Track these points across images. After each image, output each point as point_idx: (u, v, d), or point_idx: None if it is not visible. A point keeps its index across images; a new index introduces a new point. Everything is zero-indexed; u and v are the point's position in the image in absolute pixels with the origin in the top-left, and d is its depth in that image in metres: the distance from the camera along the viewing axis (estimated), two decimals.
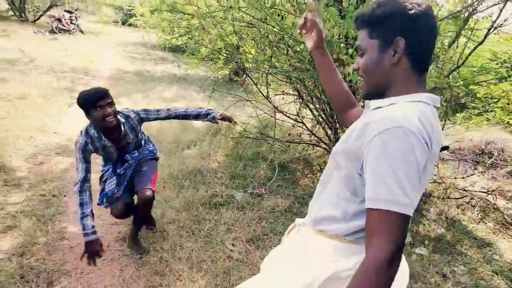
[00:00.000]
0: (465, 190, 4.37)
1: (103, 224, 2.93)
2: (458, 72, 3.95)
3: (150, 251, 2.59)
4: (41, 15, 15.02)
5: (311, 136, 4.58)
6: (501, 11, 3.11)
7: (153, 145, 2.79)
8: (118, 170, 2.53)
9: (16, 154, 3.83)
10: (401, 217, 0.82)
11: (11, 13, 14.48)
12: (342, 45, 3.33)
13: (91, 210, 2.16)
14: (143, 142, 2.65)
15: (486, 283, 2.81)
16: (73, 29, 14.21)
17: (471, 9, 3.44)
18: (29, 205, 3.01)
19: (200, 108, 2.65)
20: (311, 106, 4.19)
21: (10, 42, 9.87)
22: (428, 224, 3.63)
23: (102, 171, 2.60)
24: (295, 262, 1.07)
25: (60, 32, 13.50)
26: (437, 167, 4.50)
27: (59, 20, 13.62)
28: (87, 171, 2.22)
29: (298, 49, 3.70)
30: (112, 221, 2.97)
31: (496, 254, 3.28)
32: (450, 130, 4.57)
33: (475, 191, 4.40)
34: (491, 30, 3.19)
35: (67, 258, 2.46)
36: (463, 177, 4.48)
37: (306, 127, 4.44)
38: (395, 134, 0.82)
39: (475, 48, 3.37)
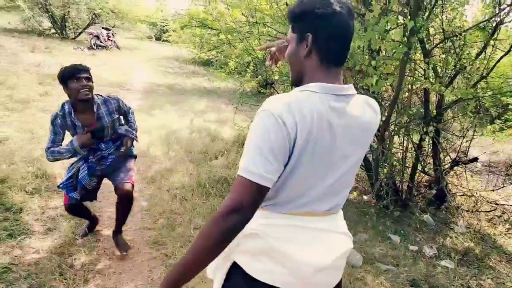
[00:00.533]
0: (496, 204, 4.26)
1: (135, 229, 3.10)
2: (486, 83, 3.91)
3: (176, 254, 2.73)
4: (80, 33, 15.91)
5: None
6: None
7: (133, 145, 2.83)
8: (90, 158, 2.56)
9: (57, 162, 4.10)
10: (247, 183, 0.94)
11: (53, 31, 15.41)
12: (366, 57, 3.40)
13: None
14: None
15: None
16: (110, 45, 14.94)
17: (498, 20, 3.43)
18: None
19: (133, 130, 2.72)
20: None
21: (53, 58, 10.53)
22: (456, 237, 3.58)
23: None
24: None
25: (98, 48, 14.23)
26: (466, 179, 4.42)
27: (97, 37, 14.39)
28: (54, 142, 2.40)
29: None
30: (143, 225, 3.14)
31: None
32: (478, 141, 4.49)
33: (508, 205, 4.28)
34: None
35: (101, 259, 2.63)
36: (493, 190, 4.37)
37: None
38: (259, 116, 0.97)
39: (500, 58, 3.36)
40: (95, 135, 2.52)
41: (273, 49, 1.42)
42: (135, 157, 2.85)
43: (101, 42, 14.46)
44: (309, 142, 0.97)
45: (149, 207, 3.47)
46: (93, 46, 14.08)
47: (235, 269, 1.12)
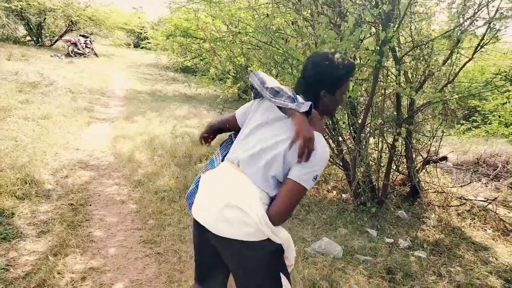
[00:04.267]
0: (465, 199, 4.57)
1: (126, 230, 3.22)
2: (452, 87, 4.22)
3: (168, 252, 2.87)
4: (57, 40, 15.76)
5: None
6: (486, 30, 3.40)
7: None
8: None
9: (44, 169, 4.17)
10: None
11: (28, 38, 15.20)
12: None
13: None
14: None
15: (481, 281, 3.01)
16: (88, 52, 14.86)
17: (462, 29, 3.74)
18: (59, 213, 3.31)
19: None
20: None
21: (30, 66, 10.41)
22: (428, 229, 3.85)
23: None
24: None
25: (76, 56, 14.13)
26: (437, 177, 4.72)
27: (75, 44, 14.30)
28: None
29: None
30: (134, 226, 3.27)
31: (492, 257, 3.47)
32: (449, 142, 4.81)
33: (476, 200, 4.60)
34: (478, 48, 3.47)
35: (96, 258, 2.74)
36: (462, 186, 4.69)
37: None
38: None
39: (464, 64, 3.65)
40: None
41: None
42: None
43: (78, 49, 14.37)
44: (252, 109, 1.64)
45: (139, 209, 3.59)
46: (71, 54, 13.99)
47: None
